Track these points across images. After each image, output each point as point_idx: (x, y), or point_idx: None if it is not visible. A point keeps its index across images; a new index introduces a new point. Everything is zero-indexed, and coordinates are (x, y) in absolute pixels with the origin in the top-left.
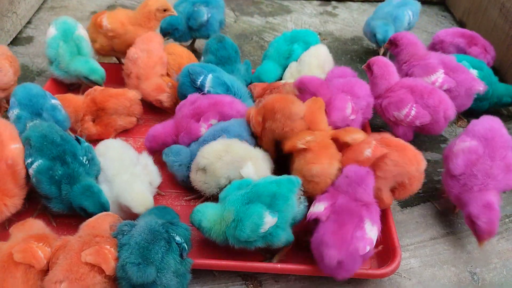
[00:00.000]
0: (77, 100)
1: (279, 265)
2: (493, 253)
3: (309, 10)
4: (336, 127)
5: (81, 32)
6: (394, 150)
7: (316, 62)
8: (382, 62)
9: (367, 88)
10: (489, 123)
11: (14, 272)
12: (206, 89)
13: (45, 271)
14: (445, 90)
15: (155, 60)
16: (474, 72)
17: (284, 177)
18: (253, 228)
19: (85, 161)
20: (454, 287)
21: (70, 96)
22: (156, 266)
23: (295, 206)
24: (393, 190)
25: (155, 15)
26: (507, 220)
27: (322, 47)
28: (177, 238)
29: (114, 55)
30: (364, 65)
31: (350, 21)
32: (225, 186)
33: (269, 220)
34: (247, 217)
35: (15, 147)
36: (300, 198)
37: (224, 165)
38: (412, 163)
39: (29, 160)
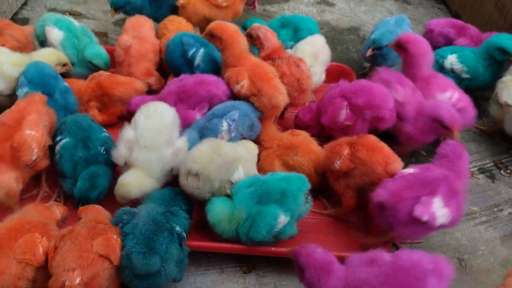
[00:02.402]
0: (80, 84)
1: (272, 248)
2: (481, 240)
3: None
4: (328, 128)
5: (76, 22)
6: (365, 149)
7: (310, 50)
8: (416, 39)
9: (374, 100)
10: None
11: (8, 252)
12: (196, 62)
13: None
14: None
15: (147, 47)
16: (453, 56)
17: (293, 174)
18: (268, 229)
19: (103, 151)
20: None
21: (71, 80)
22: (161, 256)
23: (302, 205)
24: (367, 190)
25: None
26: (495, 209)
27: (318, 37)
28: (177, 228)
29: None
30: (392, 44)
31: (347, 11)
32: (218, 189)
33: (282, 220)
34: (262, 219)
35: (29, 133)
36: (307, 198)
37: (217, 168)
38: (380, 164)
39: (58, 138)
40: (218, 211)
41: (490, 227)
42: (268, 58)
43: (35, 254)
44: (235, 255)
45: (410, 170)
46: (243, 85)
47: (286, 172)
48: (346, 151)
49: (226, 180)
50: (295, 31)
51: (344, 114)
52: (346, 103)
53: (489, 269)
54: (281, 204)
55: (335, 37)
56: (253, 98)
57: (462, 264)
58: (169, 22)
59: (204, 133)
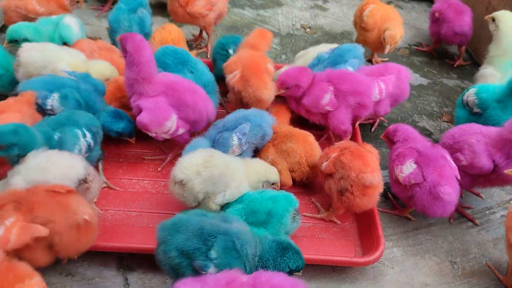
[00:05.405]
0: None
1: None
2: (473, 243)
3: (299, 4)
4: (308, 111)
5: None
6: (349, 155)
7: (315, 54)
8: (404, 128)
9: (358, 87)
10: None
11: None
12: None
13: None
14: None
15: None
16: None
17: (282, 193)
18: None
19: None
20: (435, 275)
21: None
22: None
23: (288, 224)
24: (343, 196)
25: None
26: (487, 212)
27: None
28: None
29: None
30: (383, 135)
31: (340, 15)
32: (204, 200)
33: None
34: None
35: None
36: (294, 217)
37: (202, 181)
38: (355, 170)
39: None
40: None
41: (482, 230)
42: None
43: None
44: None
45: (412, 167)
46: (235, 75)
47: (275, 191)
48: (334, 154)
49: (213, 194)
50: None
51: (328, 98)
52: (332, 88)
53: (482, 272)
54: (266, 225)
55: (328, 41)
56: (243, 92)
57: (454, 267)
58: (158, 31)
59: (215, 147)
